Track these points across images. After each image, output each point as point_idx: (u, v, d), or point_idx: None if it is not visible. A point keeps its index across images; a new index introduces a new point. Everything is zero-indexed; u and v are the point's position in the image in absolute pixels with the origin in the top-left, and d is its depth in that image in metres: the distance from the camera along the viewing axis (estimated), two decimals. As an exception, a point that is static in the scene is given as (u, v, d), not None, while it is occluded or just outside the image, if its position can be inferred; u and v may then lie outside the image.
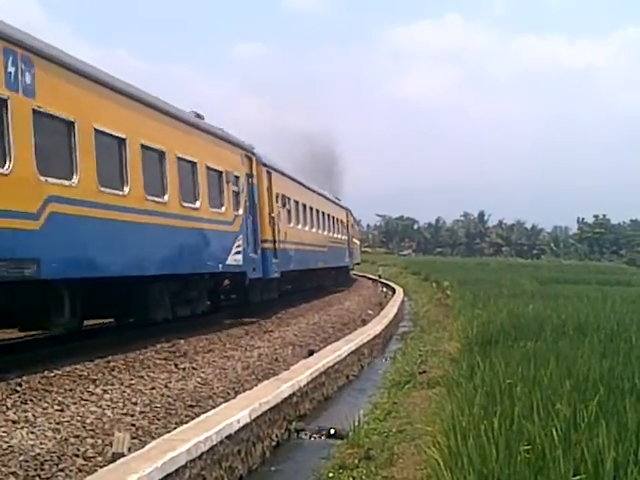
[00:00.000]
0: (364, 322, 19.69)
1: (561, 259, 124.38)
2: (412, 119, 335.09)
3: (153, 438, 7.16)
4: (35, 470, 6.11)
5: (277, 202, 23.61)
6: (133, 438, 7.07)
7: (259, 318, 19.31)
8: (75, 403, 8.67)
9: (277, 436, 9.17)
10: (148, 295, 15.29)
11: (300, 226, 27.90)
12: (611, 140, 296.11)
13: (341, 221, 41.68)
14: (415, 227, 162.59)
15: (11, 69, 10.38)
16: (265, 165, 22.54)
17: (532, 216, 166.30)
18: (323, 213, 34.09)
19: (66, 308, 12.24)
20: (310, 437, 9.60)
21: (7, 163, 10.20)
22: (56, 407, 8.40)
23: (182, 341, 14.30)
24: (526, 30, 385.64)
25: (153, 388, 9.82)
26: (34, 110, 10.85)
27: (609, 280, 38.35)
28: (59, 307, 12.16)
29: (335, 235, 37.97)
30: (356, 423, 9.09)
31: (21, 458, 6.38)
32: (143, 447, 6.60)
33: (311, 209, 30.85)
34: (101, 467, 6.08)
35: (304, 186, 30.25)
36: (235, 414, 7.87)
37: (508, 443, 5.52)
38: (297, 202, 27.63)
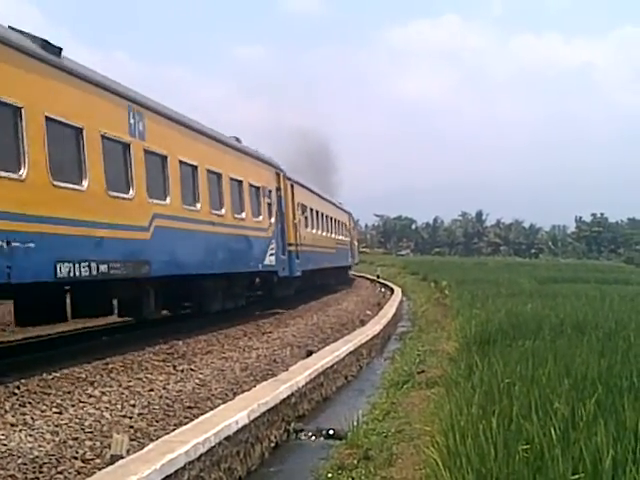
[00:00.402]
0: (363, 322, 19.68)
1: (559, 258, 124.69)
2: (409, 119, 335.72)
3: (151, 440, 7.15)
4: (34, 473, 6.11)
5: (298, 210, 27.40)
6: (132, 440, 7.07)
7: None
8: (73, 405, 8.67)
9: (276, 437, 9.16)
10: (207, 290, 18.66)
11: (315, 230, 31.82)
12: (609, 139, 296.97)
13: (344, 224, 45.13)
14: (413, 227, 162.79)
15: (131, 121, 14.05)
16: (289, 179, 26.19)
17: (530, 215, 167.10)
18: (331, 218, 38.05)
19: (151, 300, 15.38)
20: (309, 438, 9.59)
21: (131, 191, 13.92)
22: (54, 409, 8.40)
23: (180, 342, 14.31)
24: (524, 30, 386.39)
25: (151, 390, 9.82)
26: (145, 150, 14.53)
27: (607, 279, 38.35)
28: (148, 299, 15.31)
29: (340, 237, 41.47)
30: (355, 423, 9.09)
31: (20, 461, 6.38)
32: (142, 449, 6.59)
33: (322, 215, 34.71)
34: (100, 469, 6.06)
35: (317, 194, 34.25)
36: (234, 415, 7.86)
37: (507, 442, 5.52)
38: (312, 209, 31.54)
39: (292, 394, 9.99)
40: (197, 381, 10.62)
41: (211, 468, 7.01)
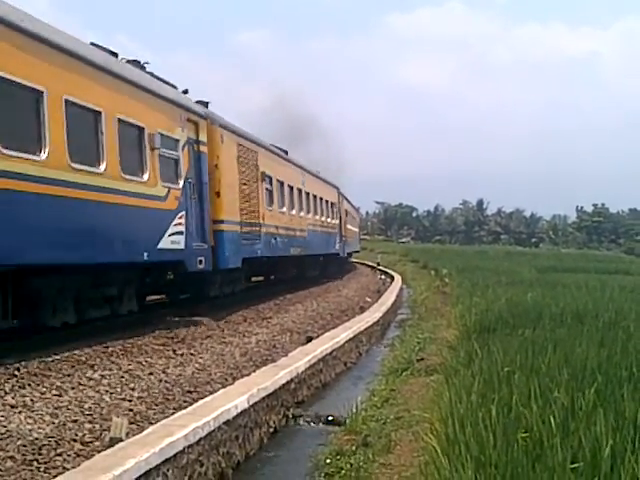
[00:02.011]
0: (362, 309, 19.69)
1: (560, 247, 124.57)
2: (411, 106, 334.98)
3: (151, 423, 7.16)
4: (33, 454, 6.11)
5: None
6: (131, 423, 7.07)
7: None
8: (73, 388, 8.68)
9: (275, 422, 9.18)
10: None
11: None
12: (611, 128, 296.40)
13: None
14: (414, 215, 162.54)
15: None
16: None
17: (531, 204, 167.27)
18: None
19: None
20: (308, 423, 9.62)
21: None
22: (54, 392, 8.40)
23: (180, 327, 14.30)
24: (528, 18, 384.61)
25: (151, 374, 9.83)
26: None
27: (607, 269, 38.38)
28: None
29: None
30: (354, 410, 9.11)
31: (19, 442, 6.39)
32: (141, 432, 6.60)
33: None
34: (99, 452, 6.07)
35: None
36: (233, 400, 7.87)
37: (506, 430, 5.53)
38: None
39: (291, 380, 10.01)
40: (197, 365, 10.63)
41: (210, 452, 7.03)
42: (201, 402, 7.90)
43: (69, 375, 9.41)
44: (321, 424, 9.52)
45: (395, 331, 18.76)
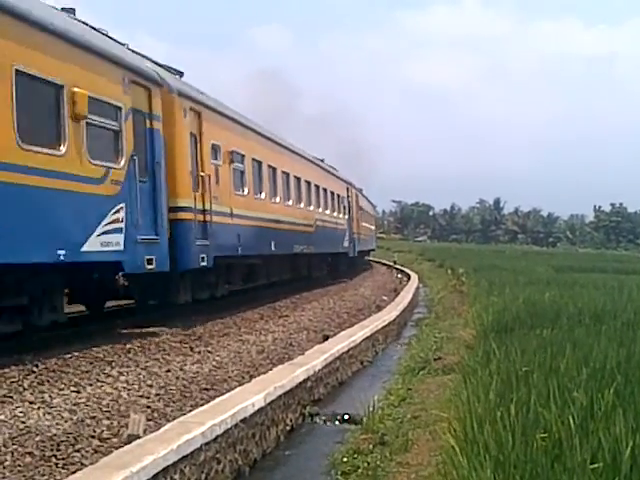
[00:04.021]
0: (379, 308, 19.67)
1: (577, 247, 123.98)
2: (428, 106, 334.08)
3: (168, 420, 7.18)
4: (51, 450, 6.14)
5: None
6: (148, 420, 7.09)
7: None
8: (91, 384, 8.72)
9: (291, 420, 9.19)
10: None
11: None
12: (630, 128, 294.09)
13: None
14: (430, 213, 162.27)
15: None
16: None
17: (548, 204, 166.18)
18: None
19: None
20: (324, 422, 9.62)
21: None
22: (72, 388, 8.45)
23: (197, 324, 14.34)
24: (544, 16, 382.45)
25: (168, 371, 9.86)
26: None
27: (626, 269, 38.09)
28: None
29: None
30: (370, 408, 9.09)
31: (37, 438, 6.42)
32: (159, 429, 6.62)
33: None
34: (117, 448, 6.09)
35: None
36: (250, 398, 7.88)
37: (524, 430, 5.49)
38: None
39: (308, 378, 10.01)
40: (214, 363, 10.65)
41: (227, 449, 7.04)
42: (218, 399, 7.91)
43: (87, 372, 9.45)
44: (337, 422, 9.52)
45: (412, 330, 18.73)
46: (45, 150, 10.41)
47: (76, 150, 11.12)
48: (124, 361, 10.35)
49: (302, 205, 25.92)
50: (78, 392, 8.30)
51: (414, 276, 35.59)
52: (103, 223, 11.66)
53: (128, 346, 11.50)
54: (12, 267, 9.94)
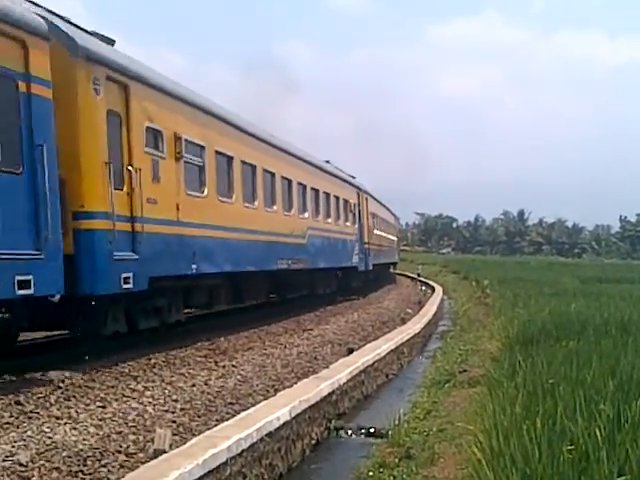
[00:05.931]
0: (403, 321, 19.61)
1: (603, 258, 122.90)
2: (452, 116, 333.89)
3: (194, 435, 7.20)
4: (78, 466, 6.18)
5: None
6: (174, 435, 7.12)
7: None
8: (117, 400, 8.76)
9: (317, 434, 9.16)
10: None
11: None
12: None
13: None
14: (454, 225, 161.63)
15: None
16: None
17: (573, 214, 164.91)
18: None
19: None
20: (350, 435, 9.59)
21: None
22: (98, 403, 8.50)
23: (222, 339, 14.39)
24: (566, 26, 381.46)
25: (193, 385, 9.89)
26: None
27: (652, 279, 37.72)
28: None
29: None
30: (396, 422, 9.06)
31: (64, 454, 6.46)
32: (184, 444, 6.63)
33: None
34: (143, 463, 6.12)
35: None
36: (275, 412, 7.87)
37: (551, 443, 5.46)
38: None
39: (333, 391, 9.99)
40: (238, 377, 10.66)
41: (252, 464, 7.03)
42: (243, 414, 7.91)
43: (113, 387, 9.51)
44: (363, 436, 9.49)
45: (436, 342, 18.62)
46: None
47: None
48: (149, 376, 10.40)
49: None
50: (104, 407, 8.35)
51: (438, 288, 35.45)
52: None
53: (153, 361, 11.57)
54: None
